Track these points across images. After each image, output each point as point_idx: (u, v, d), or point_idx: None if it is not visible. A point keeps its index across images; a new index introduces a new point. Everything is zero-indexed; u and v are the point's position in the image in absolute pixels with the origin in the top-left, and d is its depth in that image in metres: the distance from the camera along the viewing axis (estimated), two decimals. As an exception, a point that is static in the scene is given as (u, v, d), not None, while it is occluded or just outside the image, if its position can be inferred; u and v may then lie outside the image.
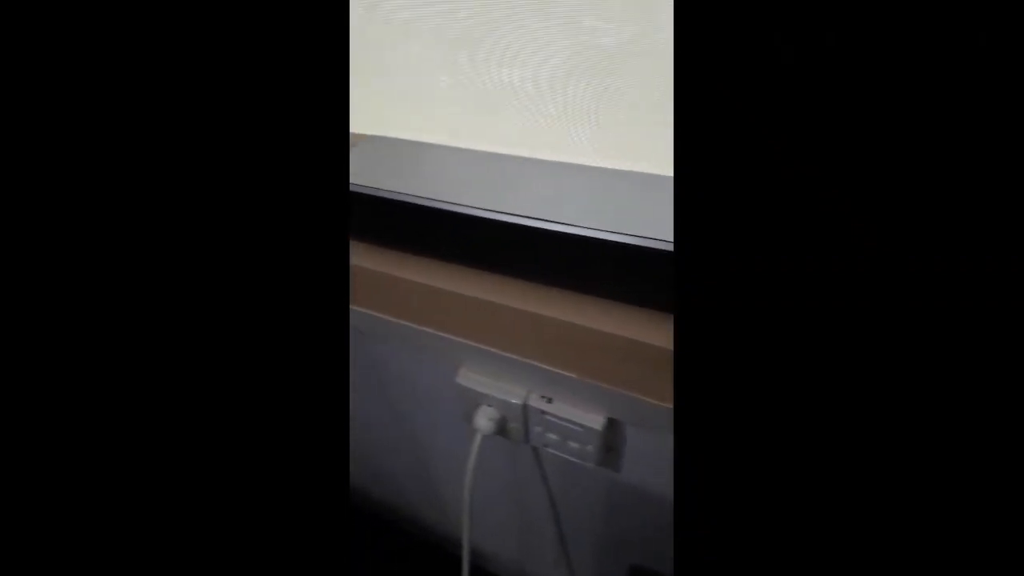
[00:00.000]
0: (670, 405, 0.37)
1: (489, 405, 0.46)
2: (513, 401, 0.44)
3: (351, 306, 0.47)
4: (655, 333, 0.35)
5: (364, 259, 0.43)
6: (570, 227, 0.34)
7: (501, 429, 0.47)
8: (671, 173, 0.36)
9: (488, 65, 0.38)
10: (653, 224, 0.33)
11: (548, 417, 0.43)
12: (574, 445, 0.44)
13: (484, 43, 0.37)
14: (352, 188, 0.40)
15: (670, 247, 0.32)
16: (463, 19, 0.37)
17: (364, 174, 0.41)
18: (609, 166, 0.40)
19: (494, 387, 0.45)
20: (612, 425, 0.42)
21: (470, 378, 0.46)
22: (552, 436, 0.45)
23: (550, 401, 0.43)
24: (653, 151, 0.38)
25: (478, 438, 0.46)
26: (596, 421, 0.42)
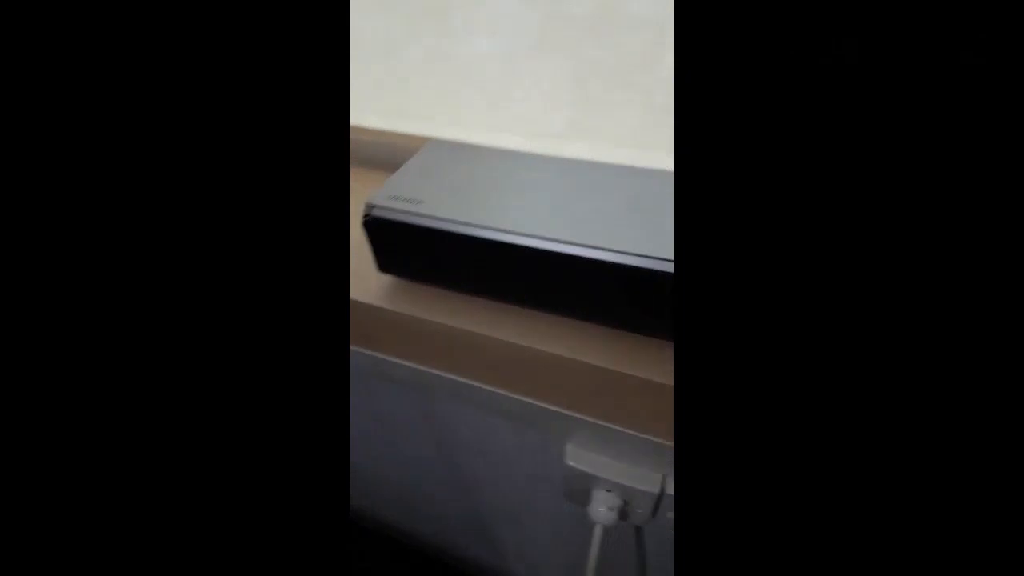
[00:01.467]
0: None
1: (608, 490, 0.37)
2: (644, 489, 0.35)
3: (425, 367, 0.39)
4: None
5: (440, 314, 0.34)
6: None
7: (623, 515, 0.38)
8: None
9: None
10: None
11: (691, 508, 0.34)
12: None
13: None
14: (423, 223, 0.30)
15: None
16: None
17: (439, 203, 0.31)
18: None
19: (614, 469, 0.36)
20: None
21: (583, 458, 0.37)
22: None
23: (694, 490, 0.34)
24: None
25: (599, 531, 0.38)
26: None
